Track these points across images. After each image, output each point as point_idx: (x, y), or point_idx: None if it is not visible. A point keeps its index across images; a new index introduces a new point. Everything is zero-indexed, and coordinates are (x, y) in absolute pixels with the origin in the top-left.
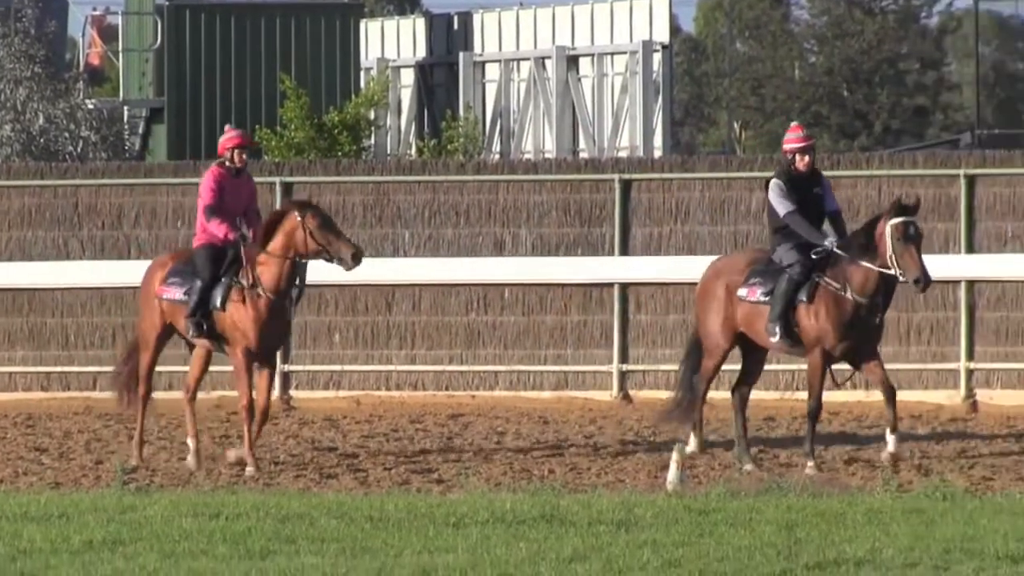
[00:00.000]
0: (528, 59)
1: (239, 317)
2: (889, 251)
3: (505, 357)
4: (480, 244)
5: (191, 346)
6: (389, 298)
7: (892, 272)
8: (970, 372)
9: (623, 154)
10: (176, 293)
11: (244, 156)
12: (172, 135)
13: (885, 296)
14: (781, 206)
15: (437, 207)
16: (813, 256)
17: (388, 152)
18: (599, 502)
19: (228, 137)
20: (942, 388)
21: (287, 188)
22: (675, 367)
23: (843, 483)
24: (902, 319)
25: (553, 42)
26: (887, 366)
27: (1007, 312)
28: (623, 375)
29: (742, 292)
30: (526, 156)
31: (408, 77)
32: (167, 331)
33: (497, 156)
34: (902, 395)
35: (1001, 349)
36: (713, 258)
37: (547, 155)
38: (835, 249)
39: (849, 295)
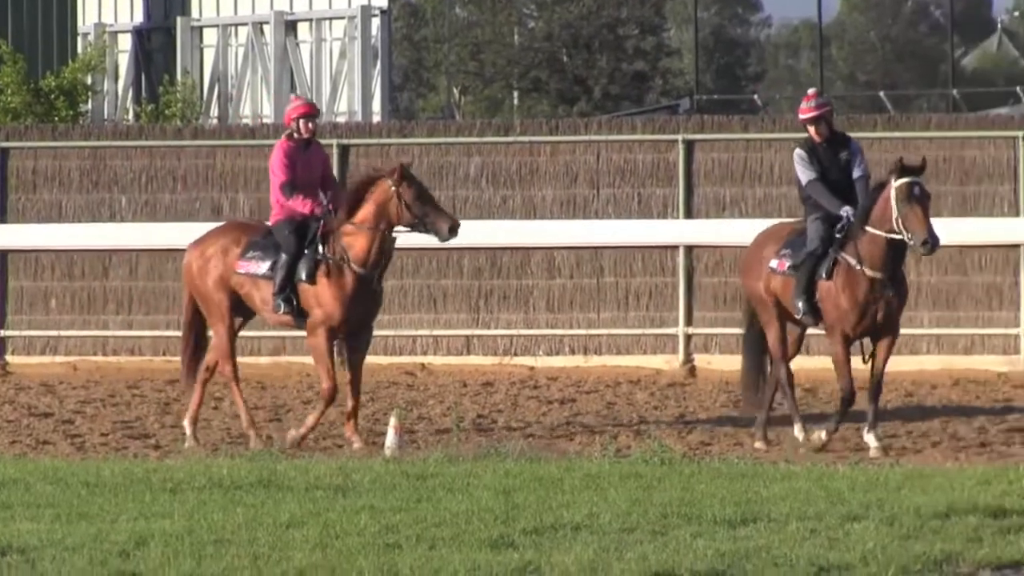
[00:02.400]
0: (246, 24)
1: (323, 292)
2: (895, 214)
3: None
4: (198, 209)
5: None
6: (106, 263)
7: (900, 236)
8: (688, 337)
9: (342, 119)
10: (256, 268)
11: (311, 125)
12: None
13: (895, 263)
14: (803, 175)
15: (154, 172)
16: (837, 234)
17: (105, 117)
18: (316, 467)
19: (293, 107)
20: (661, 353)
21: (3, 153)
22: (393, 332)
23: (561, 448)
24: (620, 284)
25: (271, 7)
26: (605, 331)
27: (725, 277)
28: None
29: (773, 264)
30: (244, 121)
31: (125, 42)
32: (238, 305)
33: (215, 121)
34: (621, 360)
35: (719, 314)
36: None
37: (265, 120)
38: (850, 218)
39: (864, 270)
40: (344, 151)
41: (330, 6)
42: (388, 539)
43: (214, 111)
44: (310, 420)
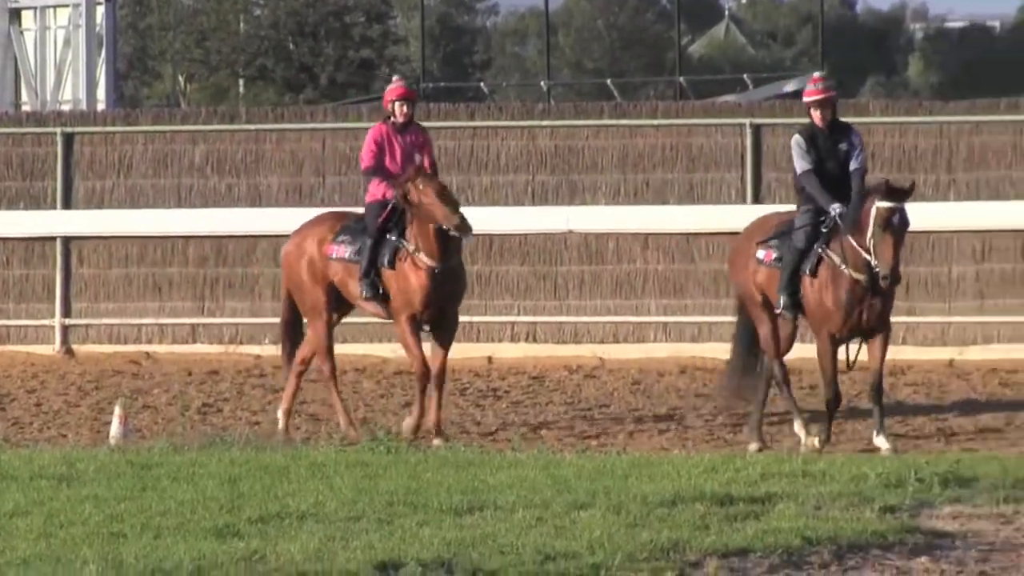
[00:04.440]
0: None
1: (404, 281)
2: (869, 234)
3: None
4: None
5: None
6: None
7: (870, 259)
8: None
9: (66, 107)
10: (345, 251)
11: (406, 109)
12: None
13: (873, 271)
14: (798, 164)
15: None
16: (823, 228)
17: None
18: (41, 457)
19: (390, 89)
20: (386, 341)
21: None
22: (118, 320)
23: (287, 437)
24: None
25: None
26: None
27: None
28: (66, 329)
29: (760, 255)
30: None
31: None
32: (334, 294)
33: None
34: (347, 348)
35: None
36: None
37: None
38: (837, 218)
39: (847, 271)
40: (68, 139)
41: None
42: (112, 528)
43: None
44: (415, 409)
